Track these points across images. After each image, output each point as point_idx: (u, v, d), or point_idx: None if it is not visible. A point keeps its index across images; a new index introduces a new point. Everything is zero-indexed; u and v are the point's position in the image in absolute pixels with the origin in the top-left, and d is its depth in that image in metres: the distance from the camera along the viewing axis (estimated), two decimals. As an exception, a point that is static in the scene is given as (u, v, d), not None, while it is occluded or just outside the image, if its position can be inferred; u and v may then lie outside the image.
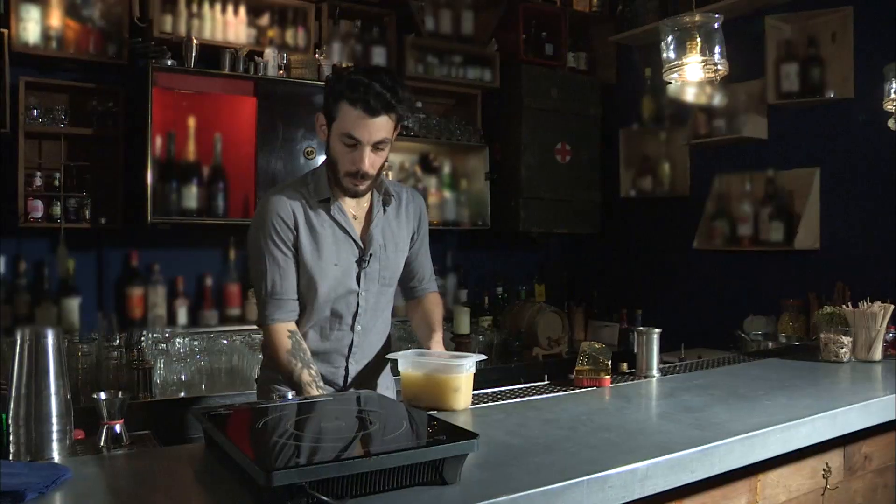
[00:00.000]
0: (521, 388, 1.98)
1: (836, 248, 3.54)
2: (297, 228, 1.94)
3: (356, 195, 1.96)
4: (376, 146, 1.86)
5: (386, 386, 2.17)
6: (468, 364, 1.66)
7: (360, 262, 1.99)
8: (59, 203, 3.27)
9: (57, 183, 3.28)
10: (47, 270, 3.33)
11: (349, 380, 2.07)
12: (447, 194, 4.28)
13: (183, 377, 3.14)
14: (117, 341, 3.18)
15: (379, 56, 3.98)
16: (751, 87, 3.80)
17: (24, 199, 3.20)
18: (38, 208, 3.23)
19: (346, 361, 2.06)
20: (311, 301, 1.98)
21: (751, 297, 3.88)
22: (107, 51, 3.35)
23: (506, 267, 4.60)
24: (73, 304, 3.35)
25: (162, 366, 3.13)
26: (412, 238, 2.13)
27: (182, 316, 3.60)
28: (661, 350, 2.19)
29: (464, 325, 3.69)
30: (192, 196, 3.35)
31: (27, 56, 3.21)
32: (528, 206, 4.29)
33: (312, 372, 1.89)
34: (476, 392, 1.82)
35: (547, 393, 1.92)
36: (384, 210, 2.04)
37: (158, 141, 3.27)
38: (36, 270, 3.33)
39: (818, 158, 3.64)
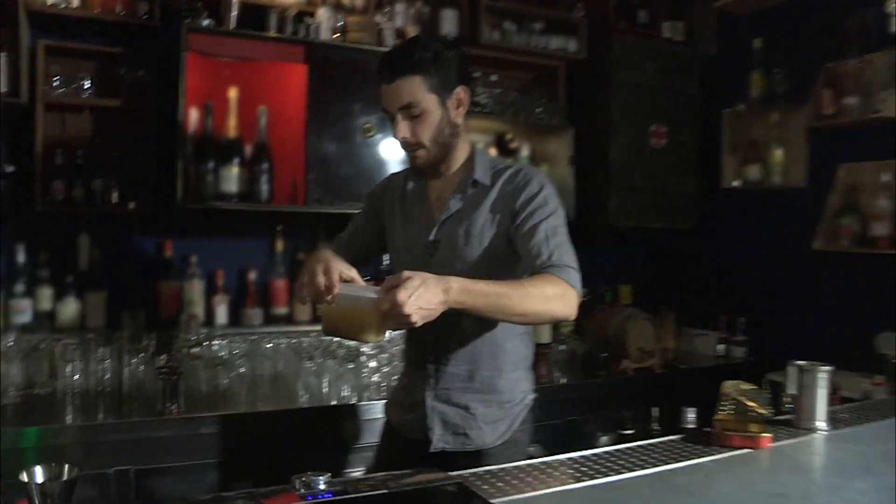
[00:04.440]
0: (641, 447, 1.45)
1: None
2: (390, 203, 2.01)
3: (418, 170, 1.94)
4: (408, 113, 1.80)
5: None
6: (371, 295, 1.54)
7: (428, 246, 1.91)
8: (82, 184, 2.93)
9: (80, 161, 2.96)
10: (69, 261, 3.00)
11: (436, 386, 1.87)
12: (525, 181, 3.85)
13: (220, 385, 2.78)
14: (145, 342, 2.83)
15: (449, 20, 3.53)
16: (891, 58, 3.18)
17: (43, 179, 2.87)
18: (58, 189, 2.90)
19: (433, 367, 1.89)
20: None
21: (885, 308, 3.29)
22: (136, 10, 2.97)
23: (589, 264, 4.07)
24: (99, 300, 3.00)
25: (197, 372, 2.78)
26: (513, 219, 1.85)
27: (221, 315, 3.23)
28: (767, 369, 1.66)
29: (544, 332, 3.27)
30: (232, 178, 2.96)
31: (47, 16, 2.87)
32: (619, 197, 3.81)
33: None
34: (580, 454, 1.32)
35: (683, 456, 1.39)
36: (465, 196, 1.90)
37: (193, 114, 2.89)
38: (56, 260, 2.98)
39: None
